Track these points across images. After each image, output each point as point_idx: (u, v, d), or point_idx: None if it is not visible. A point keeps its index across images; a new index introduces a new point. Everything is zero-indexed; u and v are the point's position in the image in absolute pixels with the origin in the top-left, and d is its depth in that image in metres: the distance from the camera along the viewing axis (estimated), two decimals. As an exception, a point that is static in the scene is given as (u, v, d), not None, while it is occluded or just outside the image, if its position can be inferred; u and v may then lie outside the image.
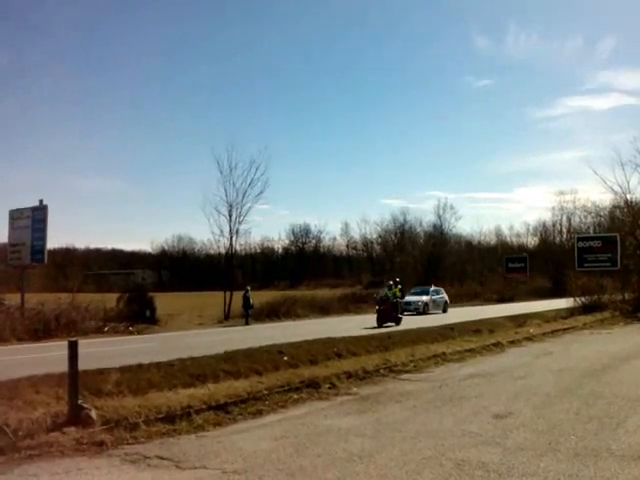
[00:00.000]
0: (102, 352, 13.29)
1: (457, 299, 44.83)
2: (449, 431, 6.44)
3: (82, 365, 6.84)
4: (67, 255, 65.24)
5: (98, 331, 20.77)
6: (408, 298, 30.47)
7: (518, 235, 74.05)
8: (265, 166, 31.96)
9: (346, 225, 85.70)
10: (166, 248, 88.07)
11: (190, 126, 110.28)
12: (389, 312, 22.59)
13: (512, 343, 15.25)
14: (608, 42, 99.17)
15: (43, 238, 20.82)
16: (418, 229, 63.31)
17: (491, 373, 10.64)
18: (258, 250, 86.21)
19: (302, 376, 9.37)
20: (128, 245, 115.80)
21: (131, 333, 21.40)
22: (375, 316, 22.39)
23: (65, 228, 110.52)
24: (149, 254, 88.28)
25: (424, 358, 12.04)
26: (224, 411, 7.42)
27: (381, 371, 10.65)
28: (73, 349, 6.60)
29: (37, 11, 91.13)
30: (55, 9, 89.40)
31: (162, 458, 5.60)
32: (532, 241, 71.25)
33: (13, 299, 20.88)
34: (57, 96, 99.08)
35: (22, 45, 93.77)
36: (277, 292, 41.18)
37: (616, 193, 31.17)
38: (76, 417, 6.30)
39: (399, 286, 24.39)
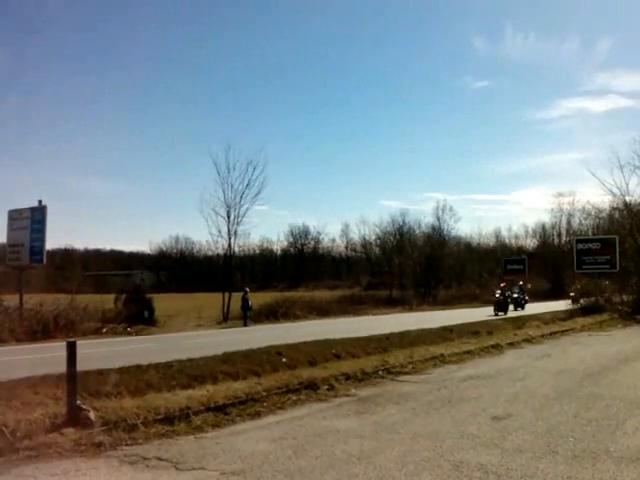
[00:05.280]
0: (100, 353, 13.28)
1: (455, 301, 44.91)
2: (447, 433, 6.44)
3: (81, 366, 6.85)
4: (66, 256, 65.07)
5: (97, 332, 20.73)
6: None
7: (517, 237, 74.26)
8: (262, 167, 31.88)
9: (345, 226, 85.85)
10: (164, 249, 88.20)
11: (189, 127, 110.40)
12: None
13: (511, 345, 15.26)
14: (605, 44, 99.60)
15: (42, 239, 20.79)
16: (417, 231, 63.25)
17: (490, 375, 10.65)
18: (257, 251, 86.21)
19: (301, 377, 9.37)
20: (127, 246, 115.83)
21: (129, 334, 21.36)
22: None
23: (64, 229, 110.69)
24: (148, 255, 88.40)
25: (422, 360, 12.04)
26: (223, 412, 7.42)
27: (380, 373, 10.65)
28: (71, 350, 6.60)
29: (37, 12, 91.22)
30: (56, 10, 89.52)
31: (161, 459, 5.60)
32: (531, 243, 71.41)
33: (12, 300, 20.83)
34: (57, 97, 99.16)
35: (22, 46, 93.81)
36: (276, 293, 41.17)
37: (615, 195, 31.21)
38: (75, 418, 6.29)
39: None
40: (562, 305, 28.63)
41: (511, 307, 31.69)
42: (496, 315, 27.61)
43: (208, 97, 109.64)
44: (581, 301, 28.31)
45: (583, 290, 35.53)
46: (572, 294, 36.40)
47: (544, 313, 25.42)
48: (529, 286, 41.29)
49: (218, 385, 8.57)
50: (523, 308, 33.41)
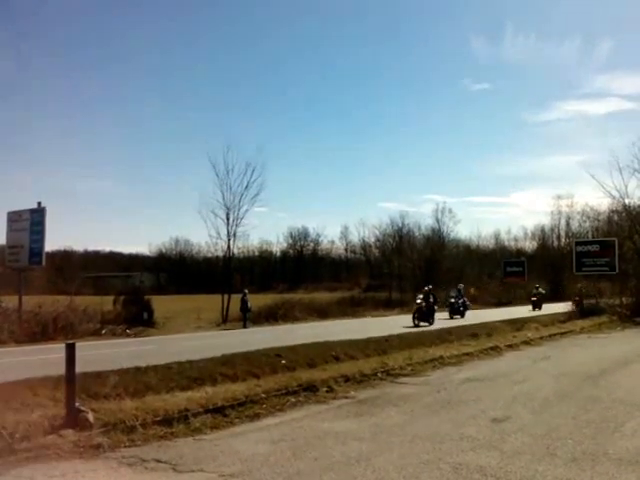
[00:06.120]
0: (100, 355, 13.27)
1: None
2: (447, 435, 6.44)
3: (80, 368, 6.84)
4: (65, 257, 64.95)
5: (96, 334, 20.72)
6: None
7: (516, 239, 74.22)
8: (261, 168, 31.86)
9: (345, 228, 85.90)
10: (164, 251, 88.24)
11: (189, 128, 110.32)
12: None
13: (510, 347, 15.27)
14: (605, 46, 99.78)
15: (41, 240, 20.77)
16: (416, 233, 63.34)
17: (489, 377, 10.65)
18: (256, 253, 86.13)
19: (300, 379, 9.37)
20: (126, 248, 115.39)
21: (129, 336, 21.36)
22: None
23: (63, 230, 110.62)
24: (147, 257, 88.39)
25: (422, 362, 12.05)
26: (222, 414, 7.42)
27: (379, 375, 10.65)
28: (70, 352, 6.60)
29: (37, 8, 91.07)
30: (54, 8, 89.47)
31: (159, 461, 5.59)
32: (530, 245, 71.40)
33: (11, 301, 20.81)
34: (57, 98, 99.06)
35: (21, 45, 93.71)
36: (275, 295, 41.14)
37: (614, 198, 31.24)
38: (73, 420, 6.29)
39: None
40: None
41: (444, 315, 27.19)
42: (416, 326, 22.24)
43: (208, 98, 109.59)
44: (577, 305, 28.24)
45: (543, 294, 35.47)
46: (533, 298, 36.07)
47: (543, 315, 25.44)
48: (472, 291, 35.41)
49: (217, 387, 8.57)
50: (463, 316, 28.50)
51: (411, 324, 23.02)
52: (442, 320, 25.19)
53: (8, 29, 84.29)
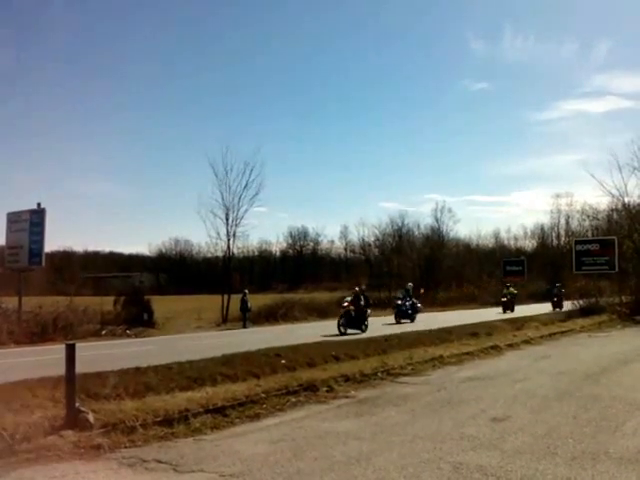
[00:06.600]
0: (100, 355, 13.27)
1: (454, 302, 44.98)
2: (447, 434, 6.43)
3: (80, 368, 6.84)
4: (65, 258, 64.92)
5: (96, 334, 20.73)
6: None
7: (516, 238, 74.22)
8: (260, 167, 31.92)
9: (344, 228, 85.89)
10: (164, 251, 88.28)
11: (188, 129, 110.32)
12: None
13: (510, 346, 15.25)
14: (604, 45, 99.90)
15: (41, 241, 20.75)
16: (416, 232, 63.44)
17: (489, 376, 10.65)
18: (256, 253, 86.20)
19: (300, 379, 9.37)
20: (126, 248, 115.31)
21: (129, 336, 21.37)
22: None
23: (63, 231, 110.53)
24: (147, 257, 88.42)
25: (422, 361, 12.04)
26: (222, 414, 7.41)
27: (379, 374, 10.64)
28: (70, 352, 6.59)
29: (40, 14, 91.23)
30: (58, 12, 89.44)
31: (160, 462, 5.59)
32: (530, 244, 71.39)
33: (11, 302, 20.80)
34: (57, 98, 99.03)
35: (24, 47, 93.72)
36: (275, 295, 41.14)
37: (613, 196, 31.20)
38: (74, 420, 6.28)
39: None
40: (493, 313, 27.86)
41: (384, 320, 24.07)
42: (342, 334, 18.71)
43: (208, 99, 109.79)
44: (580, 302, 28.20)
45: (513, 294, 34.32)
46: (503, 299, 33.40)
47: (543, 314, 25.41)
48: (422, 291, 30.65)
49: (217, 387, 8.56)
50: (412, 320, 25.56)
51: (336, 332, 19.19)
52: (387, 325, 22.48)
53: (14, 33, 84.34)
